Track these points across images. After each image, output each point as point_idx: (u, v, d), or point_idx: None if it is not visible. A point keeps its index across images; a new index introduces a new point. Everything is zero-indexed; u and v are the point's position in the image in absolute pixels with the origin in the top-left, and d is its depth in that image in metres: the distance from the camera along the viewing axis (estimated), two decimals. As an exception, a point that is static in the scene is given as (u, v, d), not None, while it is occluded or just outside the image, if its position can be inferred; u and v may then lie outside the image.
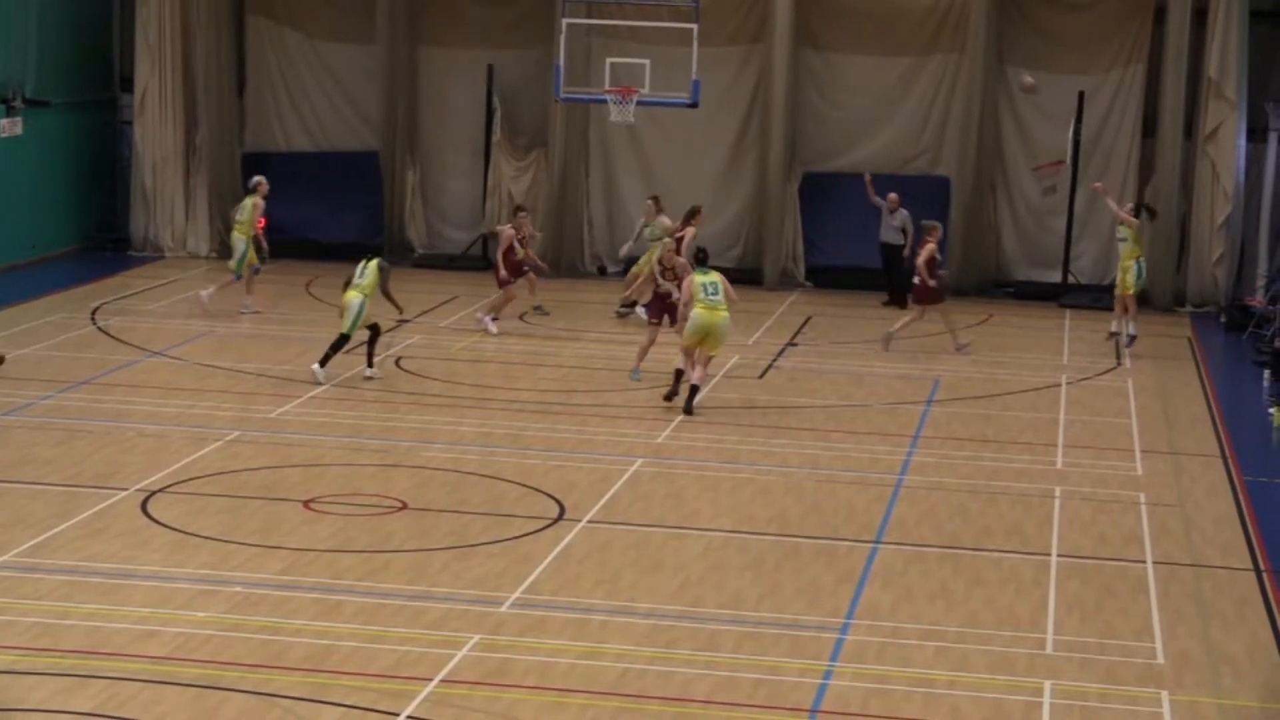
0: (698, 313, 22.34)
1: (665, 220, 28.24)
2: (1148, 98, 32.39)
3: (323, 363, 23.36)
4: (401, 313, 24.81)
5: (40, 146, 32.49)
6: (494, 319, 27.21)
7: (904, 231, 30.60)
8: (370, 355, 23.66)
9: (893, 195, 30.73)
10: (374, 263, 23.61)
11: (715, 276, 22.53)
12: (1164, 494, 19.97)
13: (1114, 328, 27.88)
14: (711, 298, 22.35)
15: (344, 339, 23.46)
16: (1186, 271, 32.26)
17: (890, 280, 30.92)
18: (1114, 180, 32.68)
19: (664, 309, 24.59)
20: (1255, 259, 32.06)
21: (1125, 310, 27.69)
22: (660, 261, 24.96)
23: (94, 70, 34.61)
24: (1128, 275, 27.47)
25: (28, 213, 32.17)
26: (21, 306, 28.12)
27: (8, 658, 13.69)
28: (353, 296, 23.37)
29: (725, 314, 22.39)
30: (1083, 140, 32.09)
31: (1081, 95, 31.90)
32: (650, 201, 28.97)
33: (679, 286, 23.48)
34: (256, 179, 28.27)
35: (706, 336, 22.41)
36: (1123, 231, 27.66)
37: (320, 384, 23.14)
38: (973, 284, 32.58)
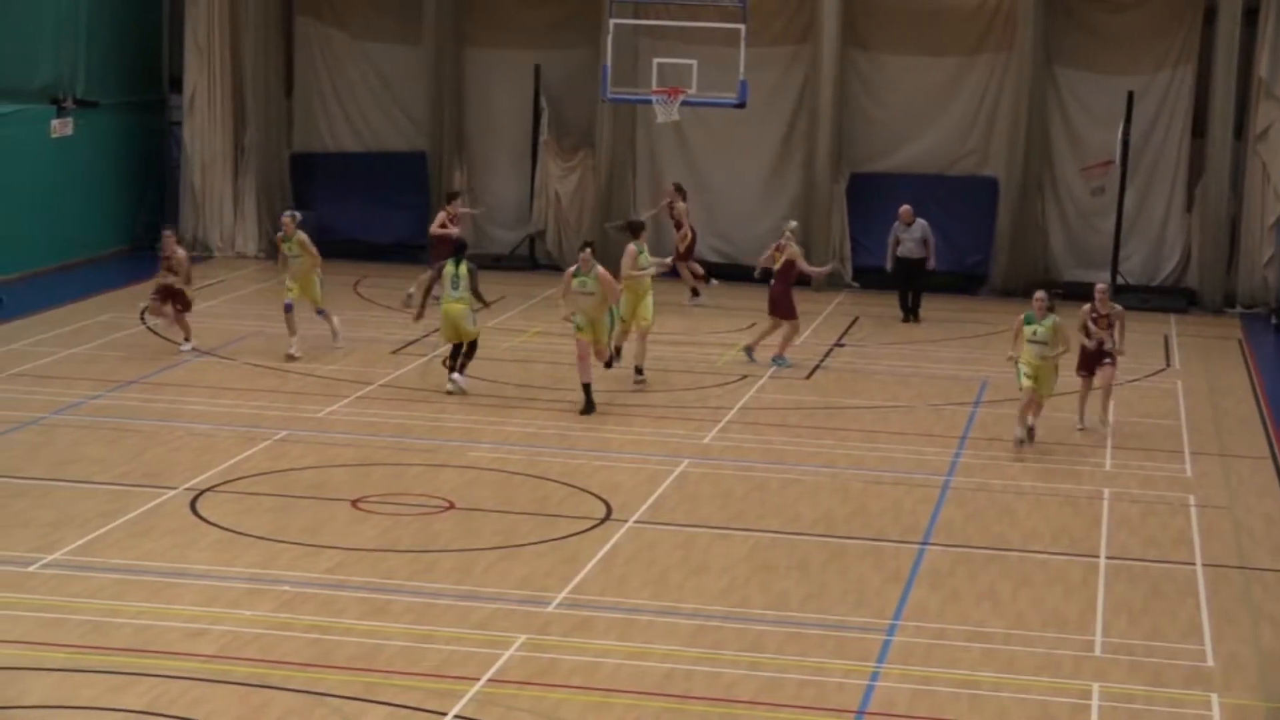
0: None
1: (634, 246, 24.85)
2: (1197, 98, 32.23)
3: (461, 370, 23.32)
4: (488, 306, 24.24)
5: (90, 147, 32.71)
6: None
7: (925, 243, 29.44)
8: (462, 365, 23.38)
9: (905, 207, 29.50)
10: (464, 268, 23.23)
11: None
12: (1213, 496, 19.88)
13: (1019, 433, 21.58)
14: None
15: (475, 345, 23.50)
16: (1236, 272, 32.10)
17: (906, 296, 29.72)
18: (1163, 181, 32.58)
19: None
20: (1306, 260, 31.91)
21: (1037, 409, 21.78)
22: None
23: (143, 71, 34.82)
24: (1045, 384, 21.49)
25: (78, 213, 32.39)
26: (72, 306, 28.29)
27: (59, 656, 13.79)
28: (459, 309, 23.10)
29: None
30: (1132, 141, 31.95)
31: (1130, 95, 31.76)
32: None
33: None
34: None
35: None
36: (1043, 332, 21.21)
37: (465, 392, 23.12)
38: (1020, 285, 32.43)
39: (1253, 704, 13.95)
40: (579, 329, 22.67)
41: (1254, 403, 24.78)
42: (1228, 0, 31.32)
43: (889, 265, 29.78)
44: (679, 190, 31.21)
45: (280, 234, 25.88)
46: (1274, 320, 30.78)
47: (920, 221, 29.47)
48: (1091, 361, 22.49)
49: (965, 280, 32.77)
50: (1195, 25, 32.16)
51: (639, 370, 24.16)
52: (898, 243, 29.46)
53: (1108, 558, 17.48)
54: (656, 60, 29.20)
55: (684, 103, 28.02)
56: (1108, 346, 22.35)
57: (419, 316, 24.43)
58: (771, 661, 14.36)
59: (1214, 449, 22.06)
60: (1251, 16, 31.46)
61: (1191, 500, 19.64)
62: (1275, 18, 31.20)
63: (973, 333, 28.73)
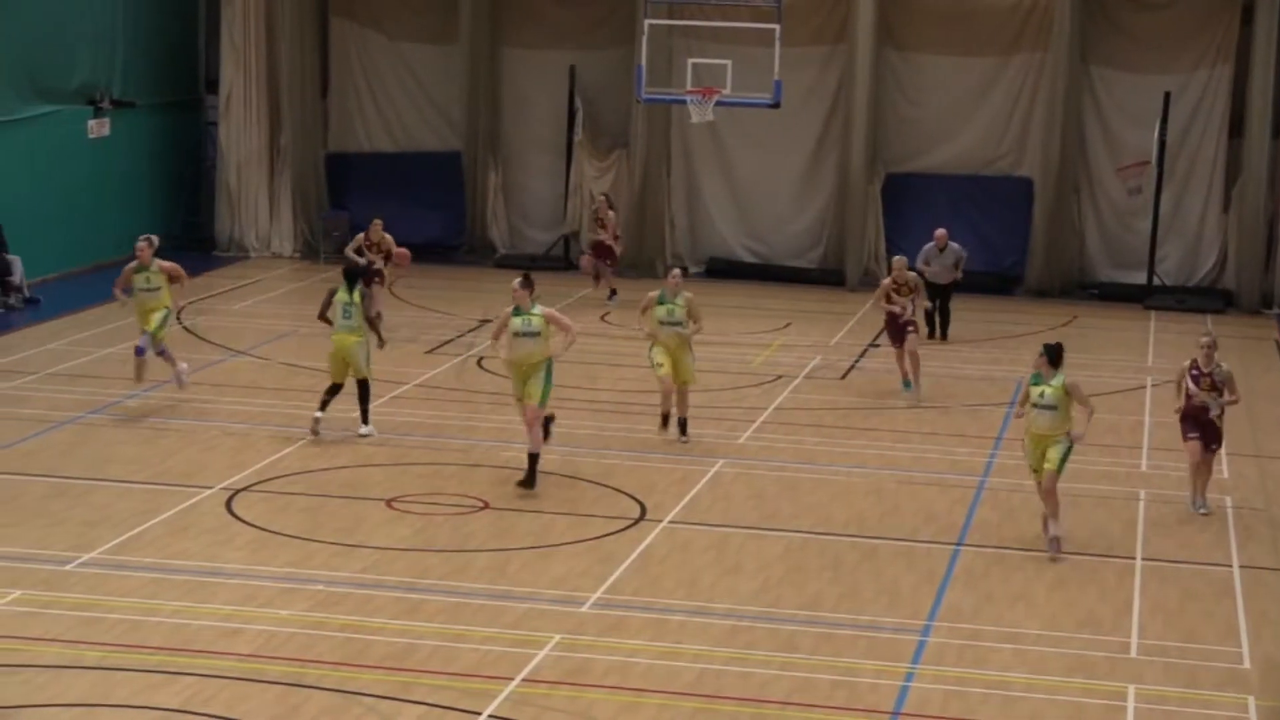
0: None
1: (688, 294, 21.42)
2: (1235, 97, 32.12)
3: (365, 419, 20.80)
4: (382, 345, 21.65)
5: (127, 147, 32.88)
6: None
7: (956, 267, 27.79)
8: (364, 413, 20.86)
9: (941, 232, 27.86)
10: (358, 294, 20.65)
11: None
12: (1250, 497, 19.81)
13: (1053, 530, 17.48)
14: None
15: (366, 387, 20.90)
16: (1274, 273, 32.03)
17: (932, 316, 27.63)
18: (1200, 181, 32.49)
19: (898, 330, 23.91)
20: (1345, 259, 31.78)
21: (1052, 501, 17.47)
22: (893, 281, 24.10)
23: (180, 72, 34.98)
24: (1053, 451, 17.36)
25: (115, 213, 32.55)
26: (107, 306, 28.35)
27: (95, 654, 13.88)
28: (350, 341, 20.54)
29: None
30: (1168, 141, 31.85)
31: (1167, 95, 31.66)
32: (676, 273, 22.04)
33: (904, 306, 23.65)
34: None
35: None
36: (1051, 394, 17.26)
37: (372, 435, 20.75)
38: (1056, 286, 32.42)
39: (1288, 706, 13.92)
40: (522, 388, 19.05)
41: (1291, 404, 24.68)
42: (1266, -1, 31.27)
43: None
44: (608, 200, 30.88)
45: (134, 263, 21.88)
46: (1312, 321, 30.65)
47: (953, 246, 27.86)
48: (1206, 429, 18.77)
49: (1001, 281, 32.69)
50: (1233, 24, 32.05)
51: (683, 427, 21.17)
52: (927, 264, 27.49)
53: (1144, 559, 17.44)
54: (691, 60, 29.23)
55: (718, 103, 28.01)
56: (1213, 414, 18.75)
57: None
58: (804, 662, 14.37)
59: (1250, 450, 21.99)
60: (1290, 15, 31.39)
61: (1228, 502, 19.57)
62: (1314, 17, 31.12)
63: (1008, 333, 28.67)
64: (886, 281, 24.37)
